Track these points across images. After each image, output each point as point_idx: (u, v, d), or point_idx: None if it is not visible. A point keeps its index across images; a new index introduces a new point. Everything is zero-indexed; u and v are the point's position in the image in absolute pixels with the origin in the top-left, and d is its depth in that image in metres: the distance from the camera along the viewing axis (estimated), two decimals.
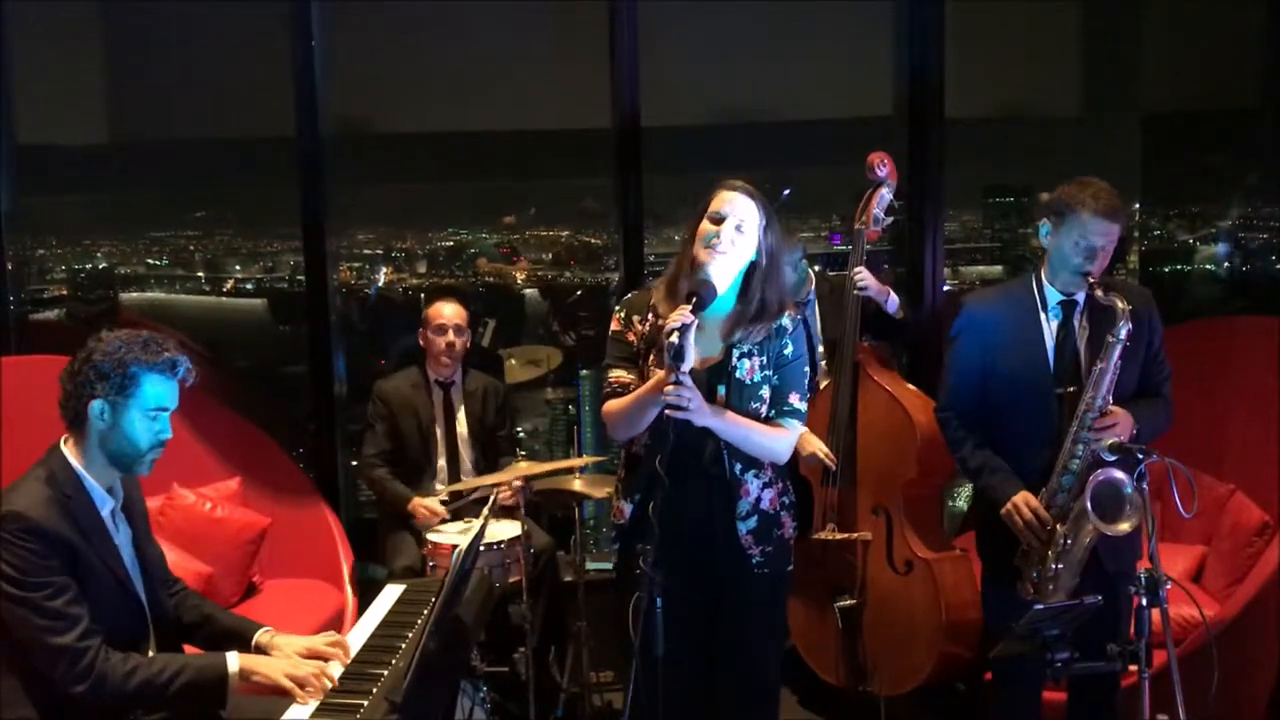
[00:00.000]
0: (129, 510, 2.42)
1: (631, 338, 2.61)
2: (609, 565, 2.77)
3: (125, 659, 2.21)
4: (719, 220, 2.49)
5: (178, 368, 2.31)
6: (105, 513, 2.32)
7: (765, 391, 2.55)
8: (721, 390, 2.52)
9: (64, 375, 2.28)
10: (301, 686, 2.26)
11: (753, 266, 2.54)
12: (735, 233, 2.48)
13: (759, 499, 2.58)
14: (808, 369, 2.64)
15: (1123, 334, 2.62)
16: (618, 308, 2.67)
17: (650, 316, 2.60)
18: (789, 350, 2.57)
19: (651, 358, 2.56)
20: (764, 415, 2.56)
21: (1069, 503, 2.66)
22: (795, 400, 2.58)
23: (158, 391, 2.29)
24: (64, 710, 2.20)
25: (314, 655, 2.43)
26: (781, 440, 2.56)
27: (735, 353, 2.54)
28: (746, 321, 2.54)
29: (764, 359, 2.55)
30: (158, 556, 2.51)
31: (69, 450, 2.30)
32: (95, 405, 2.25)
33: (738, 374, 2.53)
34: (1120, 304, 2.61)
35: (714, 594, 2.60)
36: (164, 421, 2.32)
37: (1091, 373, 2.66)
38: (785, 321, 2.58)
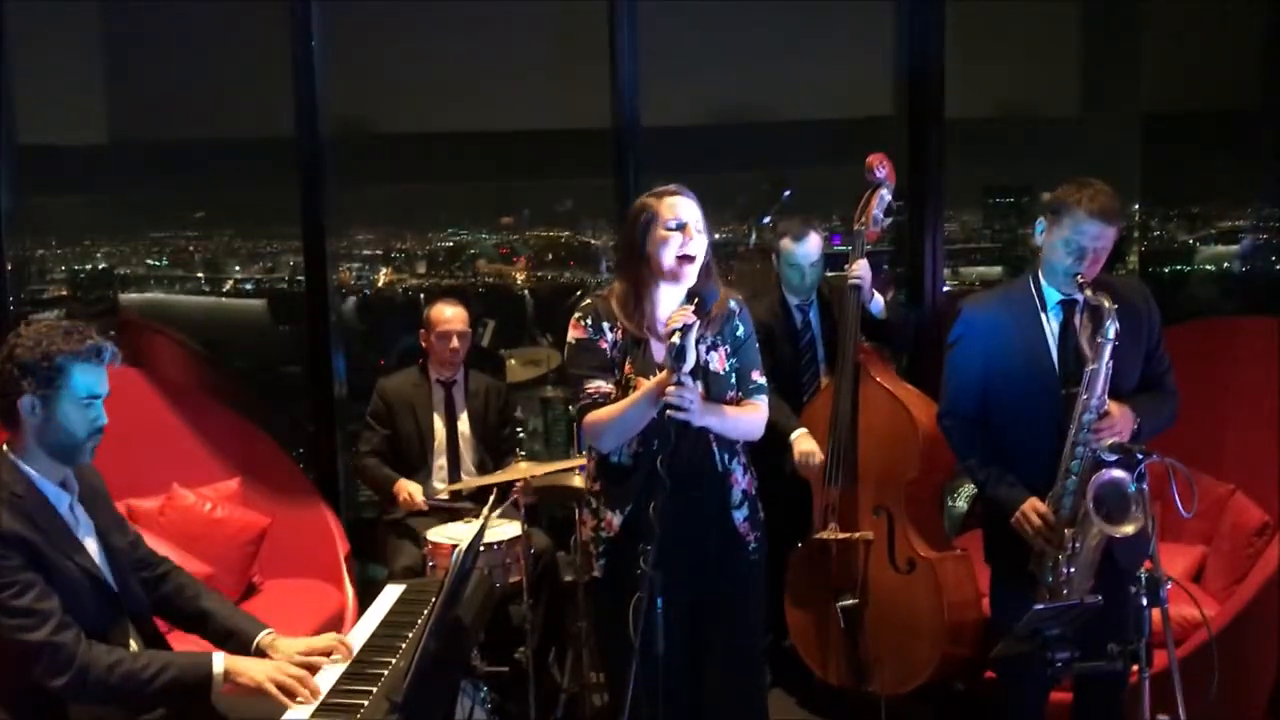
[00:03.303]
0: (89, 501, 2.38)
1: (603, 345, 2.60)
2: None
3: (109, 651, 2.20)
4: (680, 227, 2.53)
5: (103, 353, 2.27)
6: (63, 508, 2.29)
7: (734, 378, 2.62)
8: (700, 385, 2.55)
9: None
10: (285, 691, 2.25)
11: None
12: (698, 235, 2.55)
13: (743, 485, 2.64)
14: (758, 344, 2.70)
15: (1111, 333, 2.58)
16: (579, 314, 2.64)
17: (620, 325, 2.60)
18: (740, 331, 2.65)
19: (628, 364, 2.57)
20: (736, 399, 2.62)
21: (1076, 504, 2.65)
22: (757, 376, 2.67)
23: (87, 380, 2.25)
24: (40, 710, 2.18)
25: (314, 653, 2.43)
26: (758, 418, 2.64)
27: (702, 347, 2.57)
28: (704, 314, 2.57)
29: (727, 347, 2.62)
30: (129, 542, 2.48)
31: (10, 451, 2.26)
32: (25, 401, 2.21)
33: (711, 366, 2.59)
34: (1106, 303, 2.58)
35: (707, 589, 2.60)
36: (98, 408, 2.28)
37: (1084, 374, 2.65)
38: (731, 304, 2.65)
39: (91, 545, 2.34)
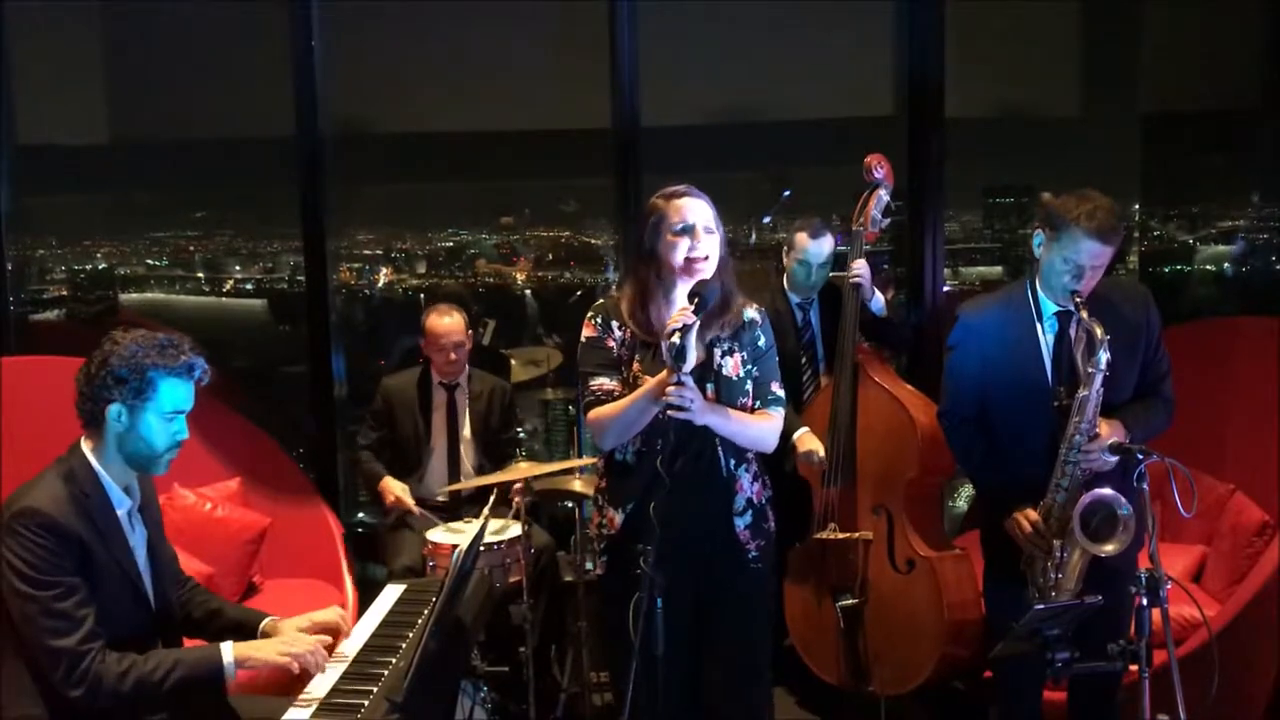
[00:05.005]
0: (145, 511, 2.42)
1: (611, 344, 2.61)
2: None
3: (120, 659, 2.20)
4: (687, 230, 2.52)
5: (194, 370, 2.33)
6: (122, 513, 2.33)
7: (749, 385, 2.60)
8: (711, 388, 2.55)
9: (80, 377, 2.29)
10: (299, 661, 2.29)
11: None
12: (707, 235, 2.53)
13: (750, 493, 2.62)
14: (777, 356, 2.69)
15: (1102, 363, 2.57)
16: (591, 313, 2.66)
17: (629, 324, 2.60)
18: (761, 342, 2.64)
19: (636, 363, 2.57)
20: (750, 407, 2.60)
21: (1065, 517, 2.66)
22: (776, 388, 2.65)
23: (175, 395, 2.30)
24: (71, 707, 2.20)
25: (318, 628, 2.46)
26: (769, 427, 2.61)
27: (717, 351, 2.58)
28: (718, 317, 2.56)
29: (744, 354, 2.61)
30: (170, 557, 2.52)
31: (88, 449, 2.31)
32: (113, 409, 2.27)
33: (724, 371, 2.58)
34: (1098, 331, 2.56)
35: (708, 591, 2.60)
36: (180, 423, 2.34)
37: (1075, 399, 2.63)
38: (753, 314, 2.65)
39: (141, 555, 2.37)
